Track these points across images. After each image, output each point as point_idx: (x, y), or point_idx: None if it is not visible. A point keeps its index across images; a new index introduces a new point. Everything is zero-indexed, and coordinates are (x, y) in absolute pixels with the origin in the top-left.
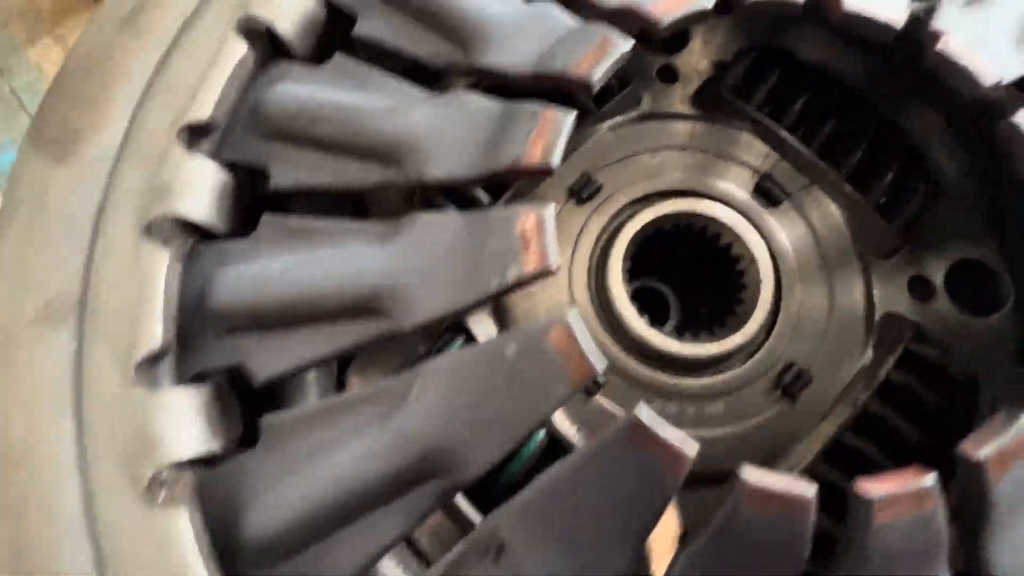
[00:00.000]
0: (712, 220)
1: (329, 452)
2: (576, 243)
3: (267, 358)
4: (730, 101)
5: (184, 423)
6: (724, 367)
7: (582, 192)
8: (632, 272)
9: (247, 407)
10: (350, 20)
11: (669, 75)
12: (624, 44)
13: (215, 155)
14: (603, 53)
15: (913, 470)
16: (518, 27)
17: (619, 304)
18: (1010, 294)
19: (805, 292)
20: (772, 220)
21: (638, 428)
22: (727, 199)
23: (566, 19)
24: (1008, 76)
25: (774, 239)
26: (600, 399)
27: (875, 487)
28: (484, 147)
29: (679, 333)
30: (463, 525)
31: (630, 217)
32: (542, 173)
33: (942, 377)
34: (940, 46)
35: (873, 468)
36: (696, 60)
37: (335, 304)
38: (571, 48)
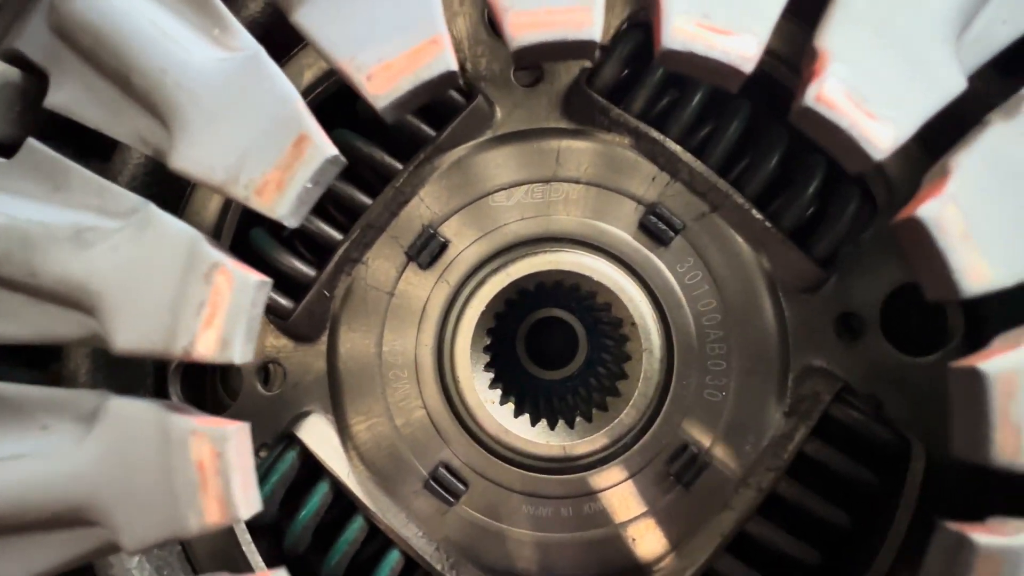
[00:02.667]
0: (582, 277)
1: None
2: (420, 322)
3: None
4: (604, 108)
5: None
6: (603, 458)
7: (422, 254)
8: (530, 303)
9: None
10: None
11: (531, 73)
12: (322, 151)
13: None
14: (292, 169)
15: None
16: (219, 102)
17: (471, 399)
18: (959, 325)
19: (703, 355)
20: (661, 265)
21: None
22: (604, 244)
23: (274, 86)
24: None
25: (664, 291)
26: (463, 507)
27: None
28: (168, 313)
29: (583, 377)
30: None
31: (480, 284)
32: (227, 366)
33: (868, 445)
34: (808, 99)
35: (786, 561)
36: None
37: (43, 517)
38: (261, 155)
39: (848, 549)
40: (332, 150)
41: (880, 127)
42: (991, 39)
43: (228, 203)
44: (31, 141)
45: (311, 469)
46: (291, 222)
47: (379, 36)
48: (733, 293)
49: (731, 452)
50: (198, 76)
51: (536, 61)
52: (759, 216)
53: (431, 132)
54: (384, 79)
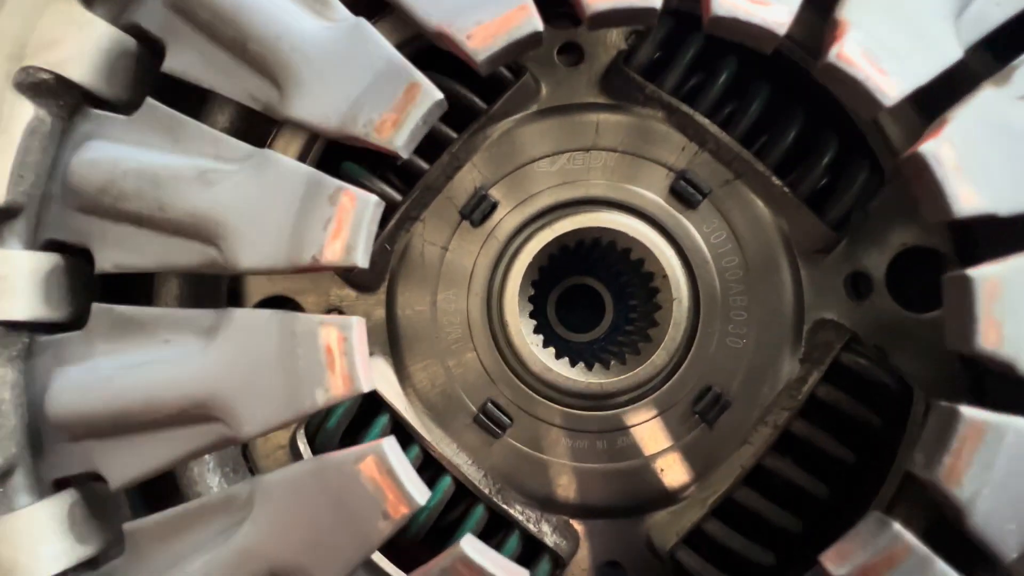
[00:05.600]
0: (619, 234)
1: (184, 566)
2: (472, 273)
3: (119, 464)
4: (640, 85)
5: (42, 541)
6: (635, 396)
7: (474, 213)
8: (562, 270)
9: None
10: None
11: (573, 54)
12: (431, 95)
13: (33, 238)
14: (406, 111)
15: None
16: (329, 62)
17: (518, 341)
18: None
19: (726, 307)
20: (689, 226)
21: (465, 563)
22: (637, 206)
23: (379, 48)
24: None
25: (691, 249)
26: (508, 439)
27: None
28: (290, 233)
29: (609, 340)
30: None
31: (527, 240)
32: (349, 269)
33: (874, 390)
34: (831, 57)
35: (797, 493)
36: (606, 32)
37: (167, 413)
38: (376, 100)
39: (854, 485)
40: (439, 94)
41: (889, 80)
42: (985, 19)
43: (301, 158)
44: (150, 100)
45: (373, 406)
46: (404, 153)
47: (475, 5)
48: (754, 252)
49: (750, 393)
50: (310, 41)
51: (607, 25)
52: (778, 183)
53: (483, 105)
54: (482, 37)
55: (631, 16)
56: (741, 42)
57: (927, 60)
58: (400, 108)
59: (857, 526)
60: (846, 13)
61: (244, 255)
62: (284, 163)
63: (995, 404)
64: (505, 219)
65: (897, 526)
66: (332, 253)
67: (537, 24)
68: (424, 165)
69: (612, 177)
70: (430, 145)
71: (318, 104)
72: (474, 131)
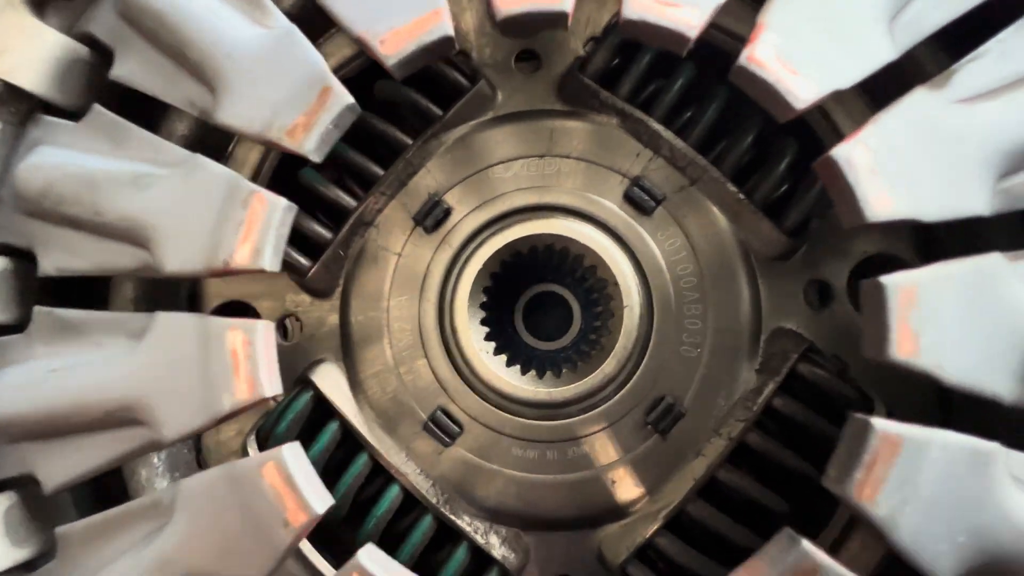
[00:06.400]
0: (571, 241)
1: (108, 570)
2: (424, 280)
3: (53, 467)
4: (594, 92)
5: None
6: (586, 406)
7: (427, 219)
8: (527, 277)
9: None
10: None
11: (531, 61)
12: (342, 100)
13: None
14: (317, 115)
15: None
16: (258, 68)
17: (468, 348)
18: None
19: (680, 315)
20: (644, 233)
21: (360, 573)
22: (592, 213)
23: (304, 54)
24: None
25: (645, 256)
26: (459, 448)
27: None
28: (209, 237)
29: (575, 348)
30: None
31: (479, 246)
32: (259, 272)
33: (833, 401)
34: (742, 60)
35: (753, 507)
36: (563, 38)
37: (94, 416)
38: (292, 105)
39: (814, 500)
40: (350, 99)
41: (802, 82)
42: (923, 21)
43: (260, 166)
44: (97, 106)
45: (323, 412)
46: (315, 157)
47: (392, 11)
48: (710, 259)
49: (705, 404)
50: (241, 48)
51: (520, 32)
52: (733, 189)
53: (439, 112)
54: (394, 43)
55: (542, 20)
56: (657, 46)
57: (853, 63)
58: (312, 113)
59: (768, 543)
60: (767, 16)
61: (168, 259)
62: (210, 168)
63: (962, 420)
64: (459, 225)
65: (807, 543)
66: (241, 257)
67: (447, 29)
68: (379, 171)
69: (567, 183)
70: (387, 151)
71: (244, 109)
72: (428, 137)
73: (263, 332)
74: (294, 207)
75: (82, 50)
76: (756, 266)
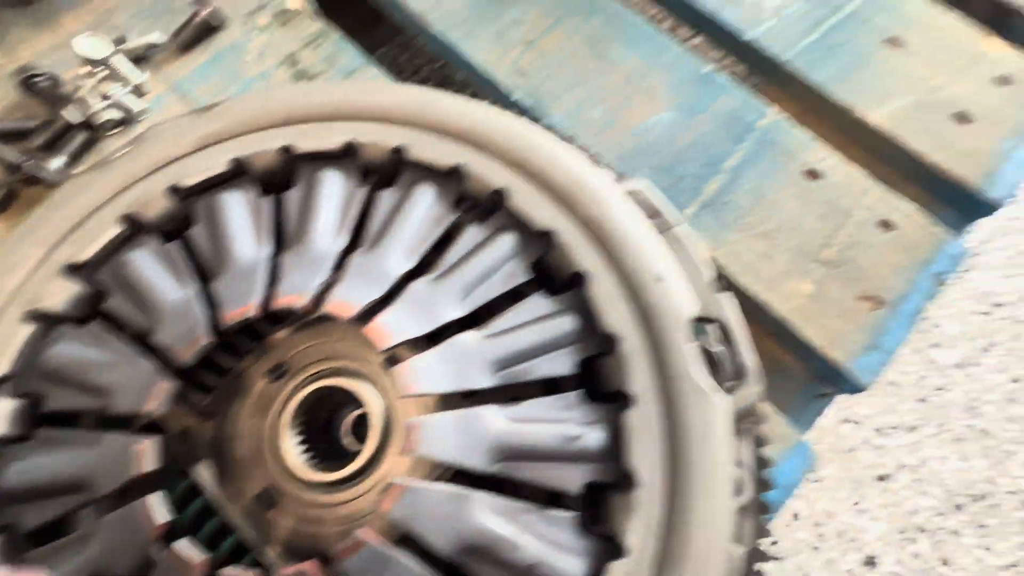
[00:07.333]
0: (350, 395)
1: None
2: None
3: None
4: None
5: None
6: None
7: (273, 373)
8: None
9: None
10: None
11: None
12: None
13: (13, 392)
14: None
15: None
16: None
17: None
18: None
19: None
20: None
21: None
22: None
23: (193, 317)
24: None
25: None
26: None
27: None
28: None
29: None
30: None
31: (297, 389)
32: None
33: None
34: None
35: None
36: None
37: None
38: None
39: None
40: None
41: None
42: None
43: None
44: (95, 322)
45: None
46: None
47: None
48: None
49: None
50: (168, 306)
51: None
52: None
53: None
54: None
55: None
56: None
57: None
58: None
59: None
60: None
61: (116, 402)
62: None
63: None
64: (292, 377)
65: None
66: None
67: None
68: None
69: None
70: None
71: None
72: (273, 333)
73: None
74: None
75: None
76: None
